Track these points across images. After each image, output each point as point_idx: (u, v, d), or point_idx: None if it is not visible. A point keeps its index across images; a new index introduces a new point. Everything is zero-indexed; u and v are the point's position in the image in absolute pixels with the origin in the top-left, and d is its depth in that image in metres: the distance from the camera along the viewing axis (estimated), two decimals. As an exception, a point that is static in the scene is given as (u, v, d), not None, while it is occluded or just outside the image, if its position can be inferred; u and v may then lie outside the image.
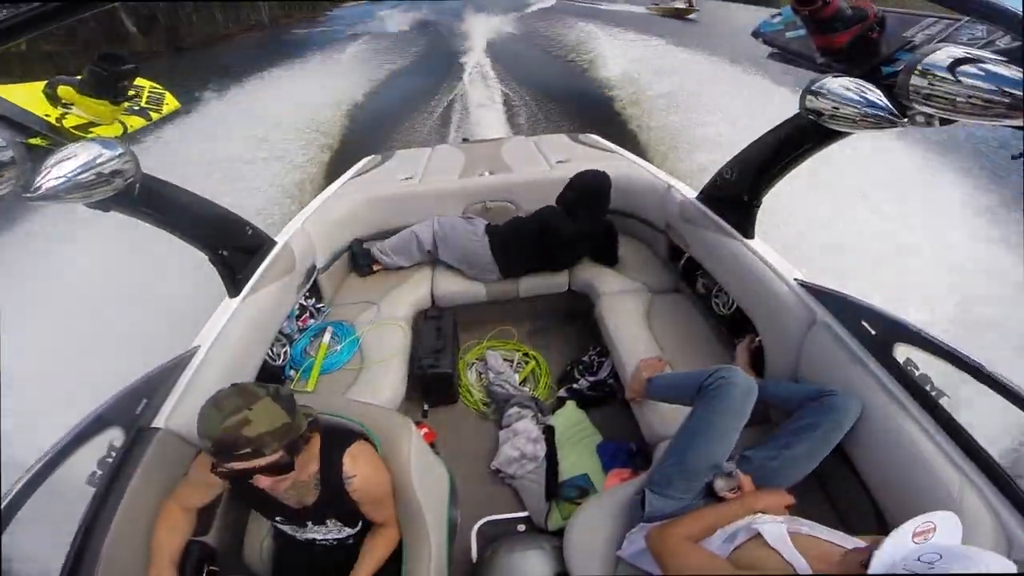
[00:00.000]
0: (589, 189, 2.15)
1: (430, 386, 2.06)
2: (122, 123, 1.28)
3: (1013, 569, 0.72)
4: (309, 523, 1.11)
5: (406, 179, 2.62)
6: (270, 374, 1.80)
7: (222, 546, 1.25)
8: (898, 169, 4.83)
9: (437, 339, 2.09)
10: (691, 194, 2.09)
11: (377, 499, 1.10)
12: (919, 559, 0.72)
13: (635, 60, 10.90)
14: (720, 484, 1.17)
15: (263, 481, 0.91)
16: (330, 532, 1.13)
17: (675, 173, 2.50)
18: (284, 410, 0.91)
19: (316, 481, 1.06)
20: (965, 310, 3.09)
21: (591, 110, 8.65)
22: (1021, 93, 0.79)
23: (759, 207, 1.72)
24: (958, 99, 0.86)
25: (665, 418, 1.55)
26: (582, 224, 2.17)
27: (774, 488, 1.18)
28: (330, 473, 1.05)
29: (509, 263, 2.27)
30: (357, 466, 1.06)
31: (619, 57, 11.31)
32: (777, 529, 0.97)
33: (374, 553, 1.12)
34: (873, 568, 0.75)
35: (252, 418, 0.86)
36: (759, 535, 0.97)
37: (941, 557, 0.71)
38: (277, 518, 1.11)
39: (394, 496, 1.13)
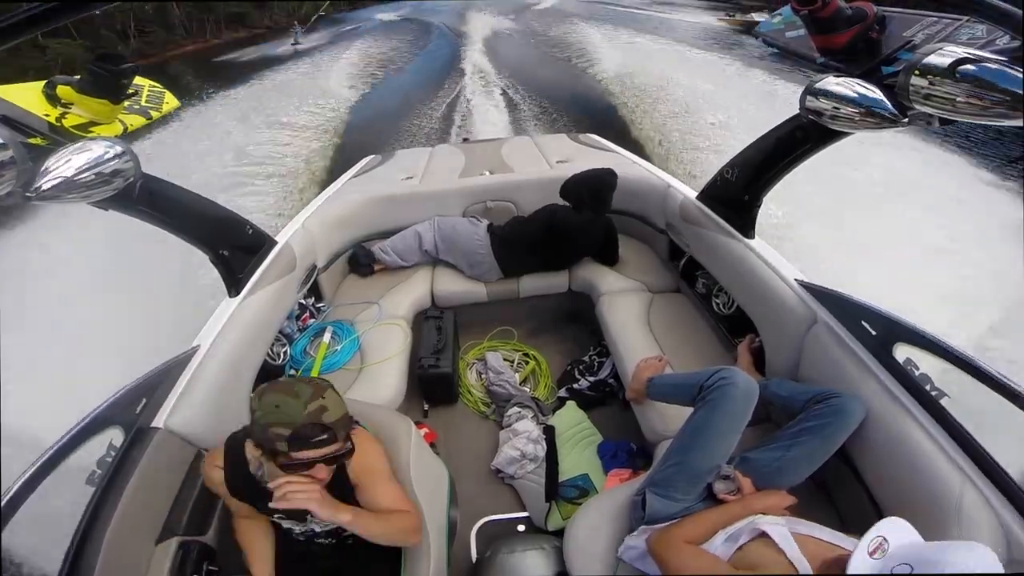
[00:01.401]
0: (595, 183, 2.18)
1: (430, 386, 2.06)
2: (122, 122, 1.28)
3: (980, 552, 0.72)
4: (308, 515, 1.11)
5: (407, 179, 2.62)
6: (270, 374, 1.80)
7: (221, 546, 1.25)
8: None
9: (437, 339, 2.08)
10: (691, 194, 2.09)
11: (375, 473, 1.07)
12: (892, 573, 0.72)
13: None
14: (720, 486, 1.17)
15: (321, 472, 0.92)
16: (329, 524, 1.12)
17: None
18: (342, 400, 0.94)
19: None
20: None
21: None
22: (1021, 93, 0.79)
23: (759, 207, 1.72)
24: (958, 99, 0.86)
25: (665, 418, 1.55)
26: (586, 217, 2.18)
27: (774, 489, 1.18)
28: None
29: (511, 263, 2.27)
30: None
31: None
32: (782, 530, 0.96)
33: (381, 515, 1.03)
34: None
35: (328, 406, 0.89)
36: (764, 535, 0.97)
37: (912, 568, 0.71)
38: (276, 514, 1.11)
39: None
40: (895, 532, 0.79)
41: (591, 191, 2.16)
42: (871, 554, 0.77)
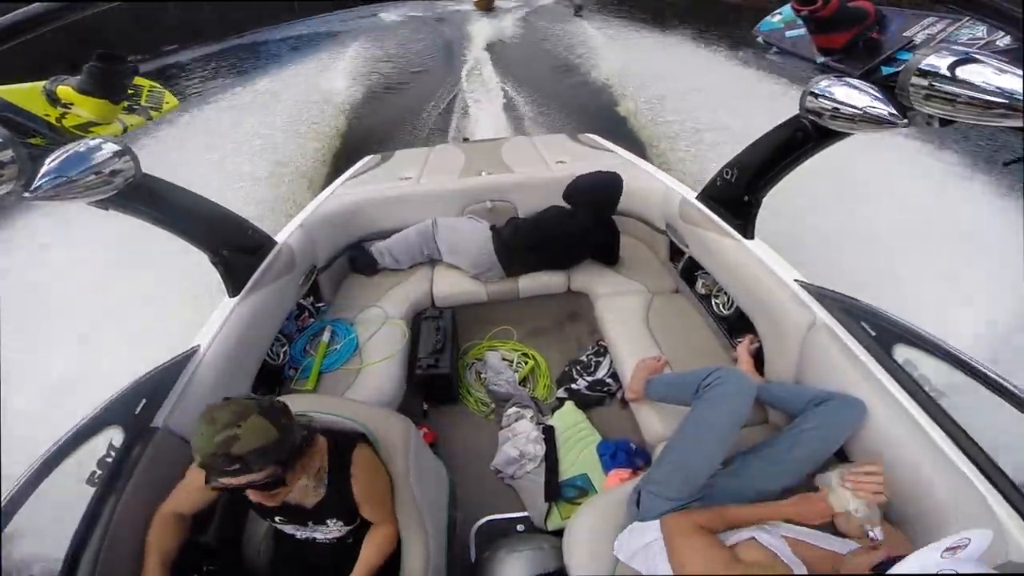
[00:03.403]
0: (599, 190, 2.17)
1: (430, 386, 2.06)
2: (122, 122, 1.28)
3: None
4: (310, 522, 1.11)
5: (405, 179, 2.62)
6: (270, 373, 1.80)
7: (221, 545, 1.25)
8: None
9: (436, 339, 2.09)
10: (691, 194, 2.09)
11: (377, 500, 1.11)
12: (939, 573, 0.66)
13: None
14: (836, 474, 1.07)
15: (253, 495, 0.91)
16: (330, 532, 1.13)
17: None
18: (275, 426, 0.89)
19: (320, 483, 1.07)
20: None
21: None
22: (1021, 93, 0.79)
23: (759, 207, 1.72)
24: (958, 99, 0.86)
25: (665, 418, 1.55)
26: (586, 223, 2.18)
27: (803, 495, 1.10)
28: (340, 476, 1.07)
29: (513, 263, 2.27)
30: (358, 468, 1.07)
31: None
32: (770, 533, 0.96)
33: (374, 553, 1.11)
34: None
35: (241, 435, 0.85)
36: (753, 539, 0.96)
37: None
38: (276, 518, 1.12)
39: (392, 496, 1.14)
40: (978, 544, 0.69)
41: (596, 198, 2.16)
42: (944, 551, 0.68)
